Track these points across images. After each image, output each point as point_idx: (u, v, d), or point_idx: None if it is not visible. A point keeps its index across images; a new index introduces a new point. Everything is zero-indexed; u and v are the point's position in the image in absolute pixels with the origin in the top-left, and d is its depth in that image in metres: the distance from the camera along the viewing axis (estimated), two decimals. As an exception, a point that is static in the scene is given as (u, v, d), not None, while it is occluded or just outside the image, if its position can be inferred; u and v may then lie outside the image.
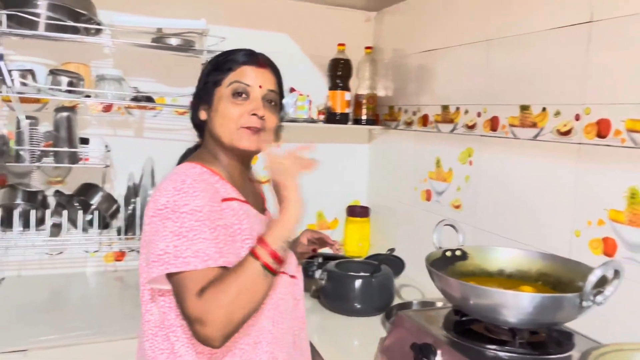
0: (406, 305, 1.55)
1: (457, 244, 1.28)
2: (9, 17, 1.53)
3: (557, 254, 1.23)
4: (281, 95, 1.12)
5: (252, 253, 0.90)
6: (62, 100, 1.70)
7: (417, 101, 1.97)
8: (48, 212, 1.72)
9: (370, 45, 2.21)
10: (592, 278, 0.93)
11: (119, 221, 1.86)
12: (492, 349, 1.02)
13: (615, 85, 1.19)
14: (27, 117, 1.57)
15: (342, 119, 2.16)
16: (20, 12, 1.54)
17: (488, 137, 1.59)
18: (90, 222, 1.80)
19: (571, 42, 1.29)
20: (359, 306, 1.59)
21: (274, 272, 0.91)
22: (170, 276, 0.89)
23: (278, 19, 2.14)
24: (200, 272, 0.87)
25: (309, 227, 2.32)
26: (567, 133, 1.30)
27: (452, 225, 1.28)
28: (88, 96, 1.70)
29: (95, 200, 1.80)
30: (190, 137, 1.20)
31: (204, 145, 1.11)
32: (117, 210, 1.84)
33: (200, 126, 1.11)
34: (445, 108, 1.79)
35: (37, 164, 1.60)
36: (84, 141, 1.68)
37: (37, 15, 1.58)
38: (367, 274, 1.63)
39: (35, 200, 1.76)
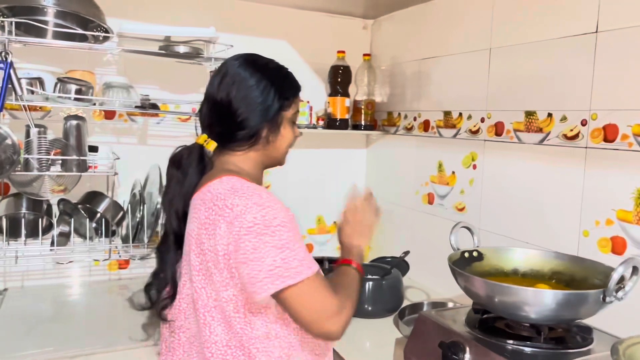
0: (418, 306, 1.59)
1: (473, 245, 1.33)
2: (16, 24, 1.52)
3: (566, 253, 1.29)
4: None
5: (357, 268, 1.11)
6: (68, 108, 1.69)
7: (418, 107, 2.02)
8: (54, 221, 1.71)
9: (368, 53, 2.26)
10: (615, 275, 0.99)
11: (124, 229, 1.85)
12: (518, 345, 1.07)
13: (621, 92, 1.25)
14: (36, 126, 1.56)
15: (342, 124, 2.20)
16: (29, 19, 1.52)
17: (492, 141, 1.64)
18: (97, 230, 1.79)
19: (577, 51, 1.36)
20: (370, 308, 1.63)
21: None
22: (280, 291, 0.94)
23: (278, 26, 2.17)
24: (313, 278, 0.96)
25: (309, 231, 2.36)
26: (574, 137, 1.37)
27: (468, 228, 1.33)
28: (95, 104, 1.69)
29: (102, 208, 1.79)
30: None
31: (222, 158, 1.10)
32: (123, 218, 1.83)
33: (241, 137, 1.09)
34: (447, 114, 1.85)
35: (46, 172, 1.59)
36: (93, 149, 1.67)
37: (45, 22, 1.57)
38: (378, 277, 1.66)
39: (41, 209, 1.74)
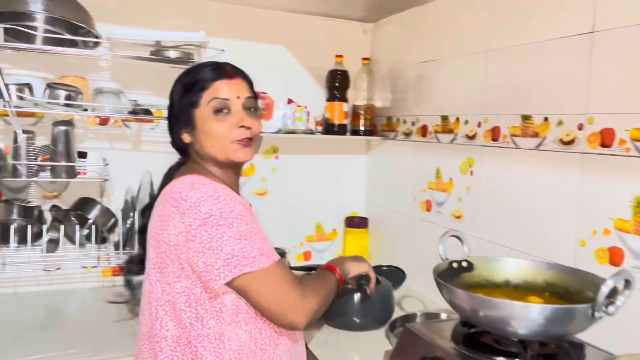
0: (410, 317, 1.53)
1: (463, 254, 1.27)
2: (5, 30, 1.52)
3: (563, 264, 1.23)
4: (256, 97, 1.15)
5: (333, 271, 1.18)
6: (58, 114, 1.68)
7: (416, 112, 1.97)
8: (44, 228, 1.70)
9: (367, 57, 2.22)
10: (604, 289, 0.92)
11: (117, 235, 1.83)
12: (503, 362, 1.01)
13: (618, 95, 1.19)
14: (24, 132, 1.55)
15: (340, 130, 2.15)
16: (17, 25, 1.52)
17: (489, 147, 1.59)
18: (88, 237, 1.77)
19: (573, 52, 1.30)
20: (358, 320, 1.57)
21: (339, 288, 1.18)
22: (236, 279, 0.94)
23: (275, 30, 2.14)
24: (273, 267, 0.97)
25: (307, 238, 2.31)
26: (570, 142, 1.31)
27: (457, 237, 1.28)
28: (86, 110, 1.68)
29: (93, 215, 1.77)
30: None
31: (193, 164, 1.12)
32: (115, 225, 1.82)
33: (183, 148, 1.14)
34: (444, 118, 1.80)
35: (34, 178, 1.58)
36: (82, 155, 1.65)
37: (34, 28, 1.57)
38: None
39: (32, 215, 1.73)
